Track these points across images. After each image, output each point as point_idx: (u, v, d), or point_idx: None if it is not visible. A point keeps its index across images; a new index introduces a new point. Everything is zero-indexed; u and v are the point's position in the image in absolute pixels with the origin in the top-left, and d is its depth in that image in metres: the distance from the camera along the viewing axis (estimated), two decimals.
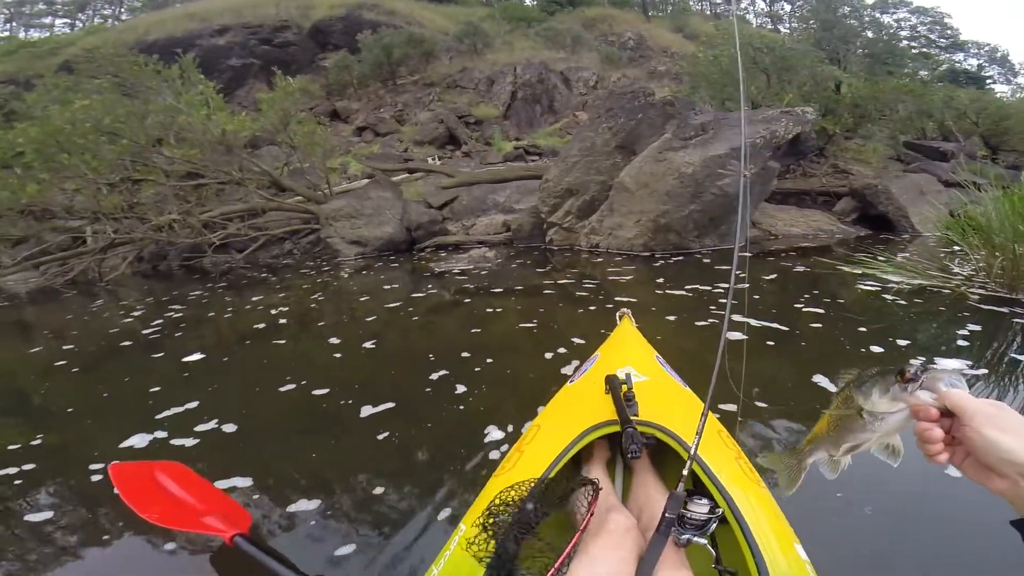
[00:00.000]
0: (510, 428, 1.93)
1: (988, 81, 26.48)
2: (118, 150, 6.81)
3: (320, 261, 6.55)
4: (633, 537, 0.80)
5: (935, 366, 0.49)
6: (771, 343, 2.82)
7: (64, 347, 3.61)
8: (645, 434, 0.97)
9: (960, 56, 27.27)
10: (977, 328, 2.93)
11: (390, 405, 2.21)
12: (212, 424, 2.13)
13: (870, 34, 14.85)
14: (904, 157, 9.07)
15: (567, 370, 2.44)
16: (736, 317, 3.13)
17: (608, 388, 1.06)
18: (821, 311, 3.37)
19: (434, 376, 2.53)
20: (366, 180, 8.63)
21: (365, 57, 14.07)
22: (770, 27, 25.82)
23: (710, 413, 1.05)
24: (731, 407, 1.94)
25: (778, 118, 6.05)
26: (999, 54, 28.56)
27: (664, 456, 1.07)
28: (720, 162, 5.35)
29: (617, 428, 0.97)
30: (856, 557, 1.22)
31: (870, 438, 0.51)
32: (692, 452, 0.83)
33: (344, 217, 6.85)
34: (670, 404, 1.16)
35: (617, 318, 1.89)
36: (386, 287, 4.89)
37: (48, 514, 1.60)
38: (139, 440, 2.03)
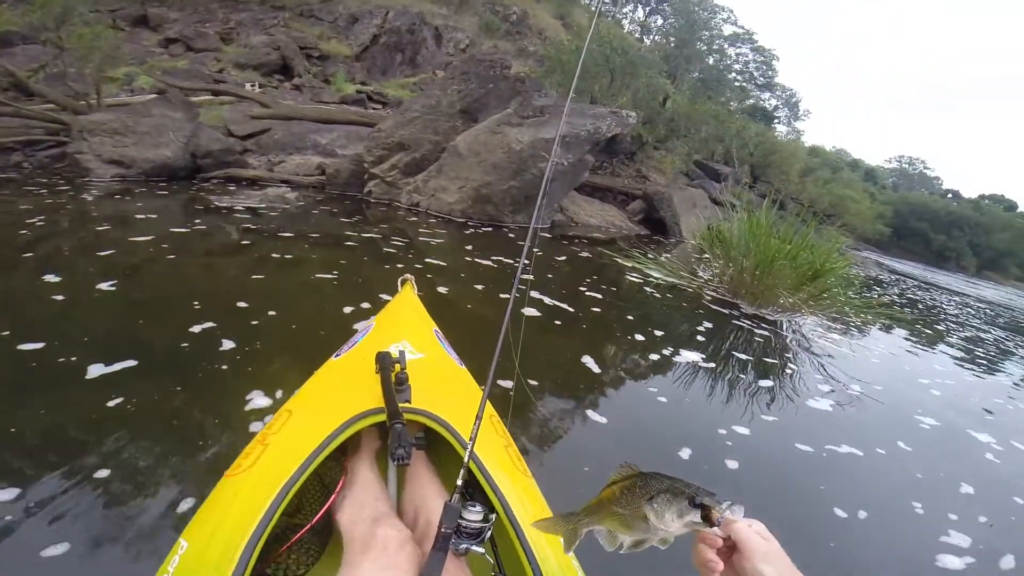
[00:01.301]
0: (279, 394, 1.67)
1: (776, 120, 32.11)
2: None
3: (58, 179, 5.05)
4: (408, 552, 0.72)
5: (715, 496, 0.51)
6: (558, 322, 2.96)
7: None
8: (419, 426, 0.88)
9: (767, 95, 32.18)
10: (710, 326, 3.50)
11: (130, 363, 1.76)
12: None
13: (711, 61, 17.03)
14: (691, 173, 10.81)
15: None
16: (532, 293, 3.28)
17: (379, 368, 0.93)
18: (600, 296, 3.69)
19: (196, 328, 2.08)
20: (155, 95, 7.03)
21: None
22: (638, 35, 27.11)
23: (487, 403, 0.97)
24: (508, 383, 1.89)
25: (605, 116, 6.57)
26: (794, 99, 34.51)
27: (439, 446, 0.97)
28: (546, 146, 5.60)
29: (384, 418, 0.85)
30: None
31: (651, 539, 0.53)
32: (468, 454, 0.77)
33: (107, 133, 5.39)
34: (445, 387, 1.07)
35: (399, 284, 1.72)
36: (142, 216, 3.95)
37: None
38: None
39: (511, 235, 5.44)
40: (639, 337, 2.95)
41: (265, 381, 1.75)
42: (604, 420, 1.96)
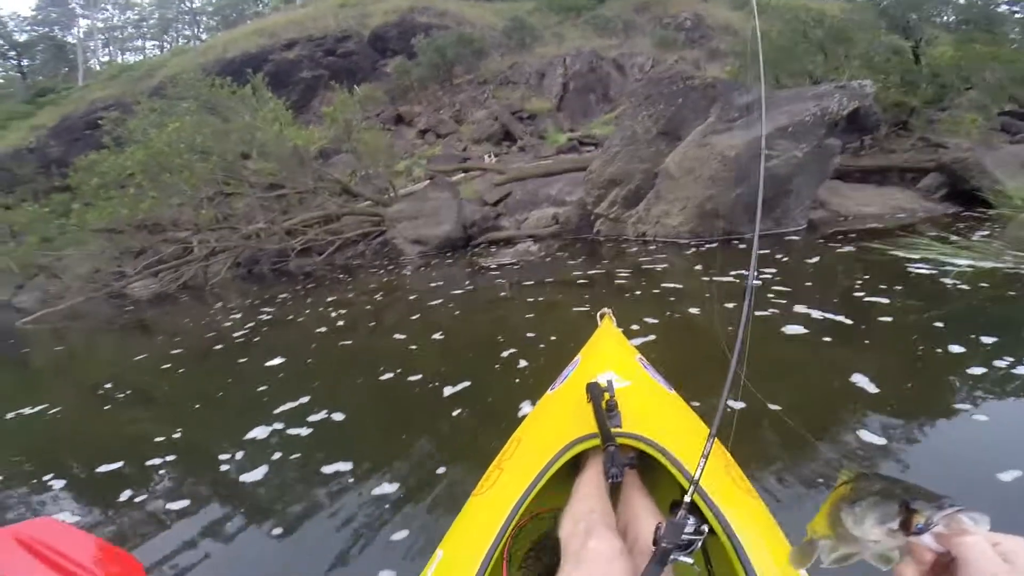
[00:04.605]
0: None
1: None
2: (209, 166, 7.62)
3: (386, 260, 7.16)
4: (618, 566, 0.73)
5: (943, 500, 0.40)
6: (827, 338, 2.64)
7: (172, 351, 4.18)
8: (632, 449, 0.94)
9: None
10: None
11: (467, 384, 2.54)
12: (323, 415, 2.42)
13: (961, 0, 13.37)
14: (1010, 127, 8.17)
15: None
16: (796, 307, 3.05)
17: (589, 398, 1.01)
18: (887, 300, 3.08)
19: (504, 354, 2.86)
20: (428, 181, 9.09)
21: (421, 60, 14.53)
22: None
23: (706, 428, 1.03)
24: (738, 404, 1.88)
25: (831, 93, 5.74)
26: None
27: (652, 467, 0.99)
28: (766, 142, 5.22)
29: (599, 442, 0.93)
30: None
31: (861, 553, 0.45)
32: (695, 481, 0.77)
33: (406, 218, 7.42)
34: (655, 411, 1.13)
35: (598, 318, 1.81)
36: (437, 284, 5.33)
37: (185, 502, 1.87)
38: (261, 432, 2.28)
39: (741, 246, 5.19)
40: (955, 348, 2.32)
41: (535, 392, 2.17)
42: (882, 441, 1.74)
